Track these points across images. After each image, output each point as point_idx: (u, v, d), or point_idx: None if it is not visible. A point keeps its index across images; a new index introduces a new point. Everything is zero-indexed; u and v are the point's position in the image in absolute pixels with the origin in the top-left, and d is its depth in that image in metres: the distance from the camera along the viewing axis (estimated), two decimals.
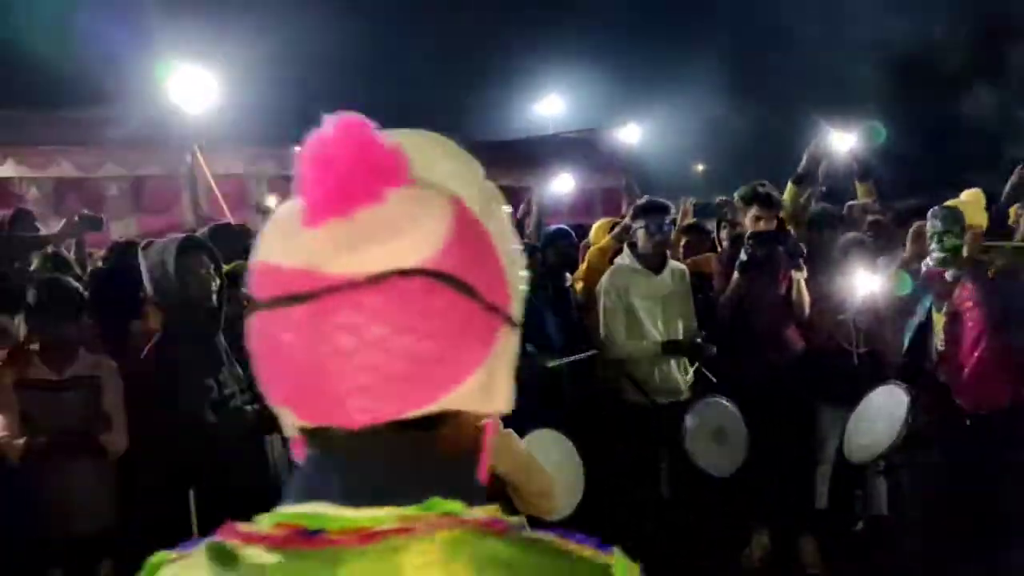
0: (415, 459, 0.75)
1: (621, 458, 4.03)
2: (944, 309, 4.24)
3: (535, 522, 2.33)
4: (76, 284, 3.75)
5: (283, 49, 16.73)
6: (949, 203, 4.29)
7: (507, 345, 0.79)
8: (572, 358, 4.39)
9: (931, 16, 19.07)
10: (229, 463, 3.00)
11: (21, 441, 3.43)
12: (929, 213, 4.20)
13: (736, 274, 4.53)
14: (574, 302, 5.02)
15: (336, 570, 0.69)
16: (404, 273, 0.69)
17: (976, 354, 4.12)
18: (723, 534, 4.53)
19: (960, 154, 15.78)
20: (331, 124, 0.75)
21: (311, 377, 0.72)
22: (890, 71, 20.31)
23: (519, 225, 5.97)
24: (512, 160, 14.89)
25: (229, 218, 9.27)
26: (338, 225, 0.70)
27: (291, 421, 0.80)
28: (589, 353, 4.48)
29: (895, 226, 5.30)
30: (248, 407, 3.10)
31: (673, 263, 4.86)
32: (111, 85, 12.26)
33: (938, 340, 4.27)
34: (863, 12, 20.79)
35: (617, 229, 5.17)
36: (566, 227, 5.42)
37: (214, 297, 3.12)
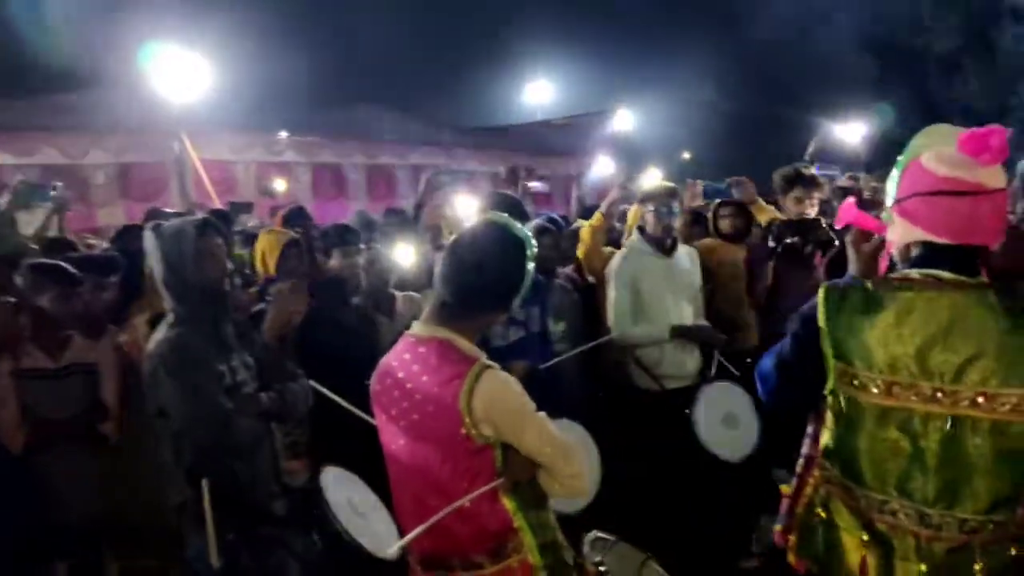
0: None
1: (631, 444, 4.00)
2: None
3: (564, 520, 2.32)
4: (69, 266, 3.72)
5: (271, 36, 16.62)
6: None
7: None
8: (579, 348, 4.37)
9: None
10: (244, 450, 2.98)
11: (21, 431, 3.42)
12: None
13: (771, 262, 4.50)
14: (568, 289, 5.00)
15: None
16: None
17: None
18: (732, 518, 4.50)
19: None
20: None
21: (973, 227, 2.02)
22: (876, 57, 20.31)
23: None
24: (508, 146, 14.84)
25: (218, 204, 9.24)
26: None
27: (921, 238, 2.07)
28: (600, 340, 4.45)
29: None
30: (261, 394, 3.06)
31: (684, 246, 4.82)
32: (97, 71, 12.15)
33: None
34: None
35: (605, 205, 5.13)
36: (553, 218, 5.36)
37: (227, 281, 3.08)
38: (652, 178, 5.70)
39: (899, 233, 2.13)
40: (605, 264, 4.84)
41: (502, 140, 16.90)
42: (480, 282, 2.29)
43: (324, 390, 3.01)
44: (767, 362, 2.35)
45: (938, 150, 2.04)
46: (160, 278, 2.97)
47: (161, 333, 2.95)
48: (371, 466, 2.97)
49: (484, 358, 2.27)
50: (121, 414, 3.72)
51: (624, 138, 12.51)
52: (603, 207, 5.12)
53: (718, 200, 5.56)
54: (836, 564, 2.22)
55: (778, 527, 2.40)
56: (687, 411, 4.07)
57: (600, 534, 3.11)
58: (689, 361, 4.61)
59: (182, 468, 2.88)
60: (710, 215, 5.47)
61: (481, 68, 22.76)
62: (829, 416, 2.20)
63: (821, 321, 2.12)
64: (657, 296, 4.56)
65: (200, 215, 3.63)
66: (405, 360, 2.34)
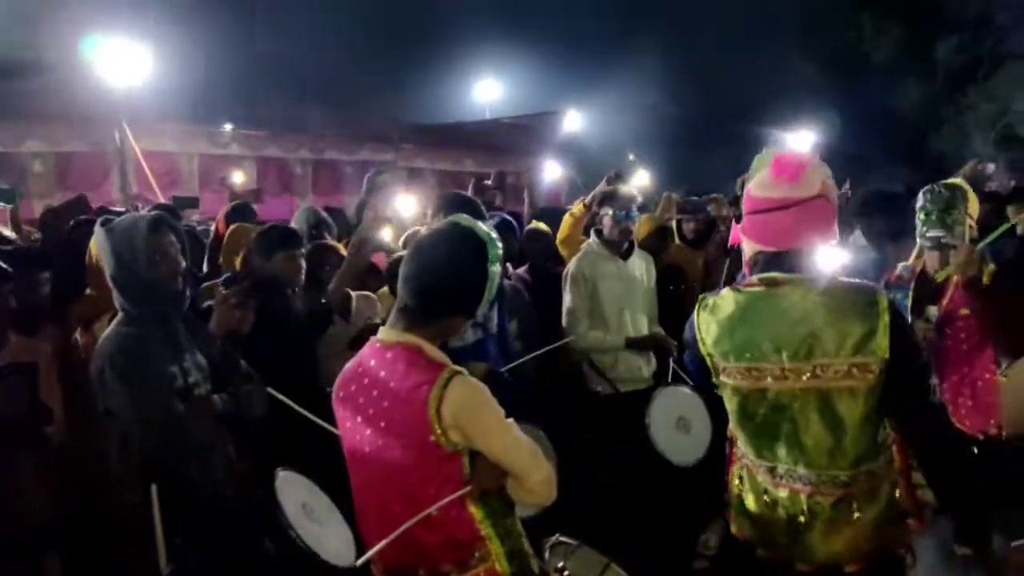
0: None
1: (586, 447, 4.00)
2: (927, 316, 3.71)
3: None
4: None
5: (218, 27, 16.33)
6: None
7: None
8: (539, 351, 4.35)
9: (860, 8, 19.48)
10: (196, 454, 2.90)
11: None
12: (924, 189, 3.67)
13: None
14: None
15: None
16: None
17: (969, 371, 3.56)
18: (684, 520, 4.53)
19: (885, 146, 16.17)
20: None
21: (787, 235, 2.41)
22: (819, 64, 20.71)
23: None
24: (458, 144, 14.79)
25: (159, 197, 9.03)
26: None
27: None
28: (558, 343, 4.44)
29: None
30: (214, 396, 2.99)
31: (640, 252, 4.85)
32: (38, 59, 11.78)
33: None
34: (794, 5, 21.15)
35: (589, 197, 5.10)
36: (507, 219, 5.34)
37: (180, 280, 2.99)
38: (640, 179, 5.75)
39: (746, 247, 2.56)
40: None
41: (451, 138, 16.84)
42: (442, 286, 2.26)
43: (281, 396, 2.95)
44: (685, 358, 2.82)
45: (761, 174, 2.48)
46: (110, 275, 2.89)
47: (110, 331, 2.86)
48: (324, 473, 2.94)
49: (451, 364, 2.25)
50: (67, 415, 3.59)
51: (573, 140, 12.57)
52: (588, 198, 5.11)
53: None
54: (755, 527, 2.58)
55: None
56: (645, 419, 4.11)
57: (562, 538, 3.11)
58: (644, 366, 4.64)
59: (131, 471, 2.80)
60: (674, 222, 5.59)
61: (430, 65, 22.68)
62: (727, 404, 2.58)
63: (697, 327, 2.56)
64: (613, 300, 4.58)
65: (146, 210, 3.52)
66: (371, 367, 2.31)
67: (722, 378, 2.53)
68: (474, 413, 2.19)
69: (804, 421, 2.39)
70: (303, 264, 4.05)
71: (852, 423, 2.36)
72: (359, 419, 2.31)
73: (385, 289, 4.45)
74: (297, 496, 2.88)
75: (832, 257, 2.54)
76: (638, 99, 19.57)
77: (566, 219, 5.23)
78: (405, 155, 15.75)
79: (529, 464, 2.27)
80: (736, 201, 5.18)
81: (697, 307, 2.58)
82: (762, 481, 2.52)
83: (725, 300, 2.51)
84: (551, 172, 8.19)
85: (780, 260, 2.43)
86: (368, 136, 15.75)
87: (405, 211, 4.88)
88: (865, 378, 2.33)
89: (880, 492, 2.42)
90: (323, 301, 4.03)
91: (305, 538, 2.72)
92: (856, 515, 2.40)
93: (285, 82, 17.45)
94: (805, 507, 2.42)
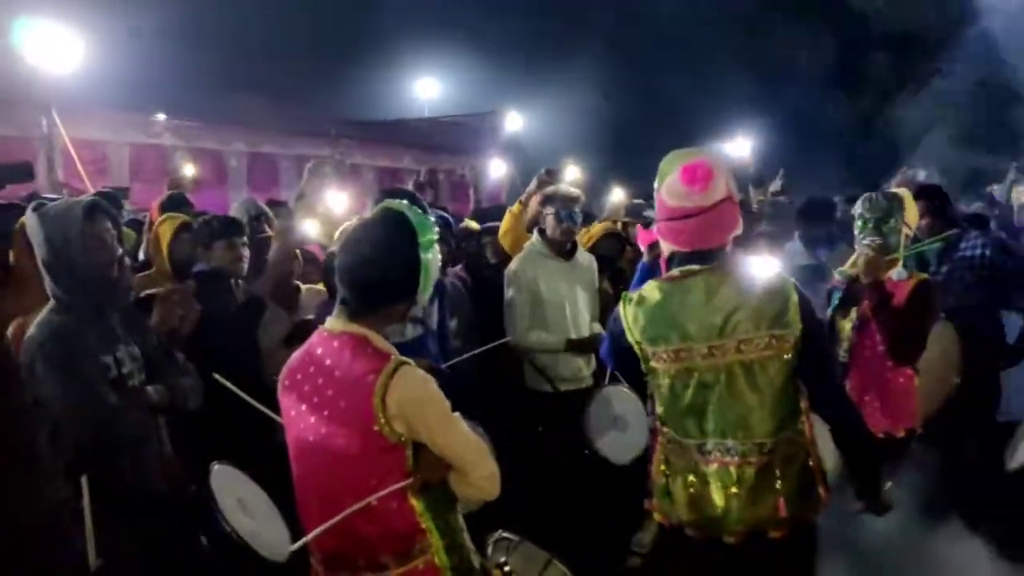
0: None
1: (525, 445, 4.02)
2: (852, 316, 3.94)
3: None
4: None
5: (152, 14, 15.94)
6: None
7: None
8: (480, 349, 4.34)
9: (800, 20, 19.90)
10: (128, 447, 2.83)
11: None
12: (863, 197, 3.95)
13: None
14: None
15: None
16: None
17: (880, 373, 3.84)
18: (622, 516, 4.56)
19: (816, 156, 16.53)
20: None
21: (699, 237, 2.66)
22: (756, 72, 21.08)
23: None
24: (397, 140, 14.69)
25: (88, 186, 8.78)
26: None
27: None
28: (498, 342, 4.44)
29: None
30: (149, 388, 2.91)
31: (582, 251, 4.89)
32: None
33: (842, 348, 3.96)
34: (737, 14, 21.51)
35: (525, 195, 5.16)
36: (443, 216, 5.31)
37: (115, 268, 2.91)
38: (572, 175, 5.79)
39: (663, 246, 2.82)
40: None
41: (390, 135, 16.71)
42: (375, 275, 2.24)
43: (227, 383, 2.89)
44: (602, 350, 3.10)
45: (670, 180, 2.70)
46: (42, 261, 2.80)
47: (42, 319, 2.78)
48: (265, 465, 2.88)
49: (398, 355, 2.23)
50: None
51: (514, 139, 12.60)
52: (523, 196, 5.16)
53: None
54: (683, 509, 2.73)
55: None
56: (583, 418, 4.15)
57: (504, 534, 3.11)
58: (584, 366, 4.68)
59: (60, 463, 2.71)
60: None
61: (369, 61, 22.43)
62: (656, 390, 2.77)
63: (624, 320, 2.76)
64: (555, 299, 4.60)
65: (83, 196, 3.42)
66: (318, 355, 2.28)
67: (652, 364, 2.73)
68: (419, 404, 2.19)
69: (730, 394, 2.62)
70: (245, 253, 4.00)
71: (773, 391, 2.60)
72: (304, 407, 2.29)
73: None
74: (233, 490, 2.83)
75: (768, 266, 2.79)
76: (577, 101, 19.67)
77: (506, 217, 5.28)
78: (343, 150, 15.57)
79: (473, 459, 2.28)
80: None
81: (622, 302, 2.81)
82: (690, 461, 2.70)
83: (650, 292, 2.75)
84: (496, 171, 8.20)
85: (696, 255, 2.70)
86: (306, 130, 15.52)
87: (337, 206, 4.85)
88: (783, 348, 2.59)
89: (798, 458, 2.66)
90: (255, 293, 3.98)
91: (240, 532, 2.67)
92: (778, 482, 2.62)
93: (221, 73, 17.09)
94: (734, 477, 2.63)
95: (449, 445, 2.24)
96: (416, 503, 2.25)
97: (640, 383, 3.01)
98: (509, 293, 4.64)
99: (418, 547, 2.26)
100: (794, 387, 2.66)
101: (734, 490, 2.63)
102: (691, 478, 2.70)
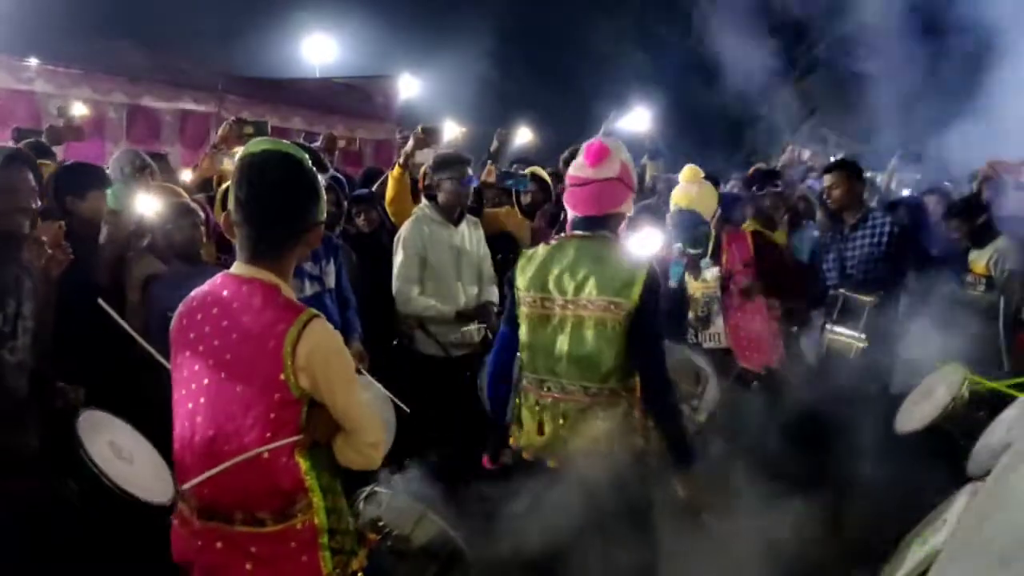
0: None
1: (417, 409, 4.00)
2: (703, 276, 4.70)
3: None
4: None
5: None
6: (681, 204, 4.56)
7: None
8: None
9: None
10: None
11: None
12: (669, 218, 4.59)
13: None
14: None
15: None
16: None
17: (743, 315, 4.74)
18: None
19: (704, 137, 16.96)
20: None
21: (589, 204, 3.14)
22: (650, 52, 21.43)
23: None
24: (287, 100, 14.29)
25: None
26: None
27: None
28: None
29: None
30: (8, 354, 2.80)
31: (469, 216, 4.91)
32: None
33: (698, 307, 4.74)
34: None
35: (402, 157, 5.12)
36: (336, 176, 5.16)
37: (25, 222, 2.80)
38: (451, 133, 5.75)
39: (567, 211, 3.26)
40: None
41: (280, 93, 16.21)
42: (278, 198, 2.19)
43: (115, 316, 2.79)
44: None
45: (578, 157, 3.20)
46: None
47: None
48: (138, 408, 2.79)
49: (310, 308, 2.21)
50: None
51: (406, 104, 12.42)
52: (400, 158, 5.11)
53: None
54: (526, 435, 3.19)
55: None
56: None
57: (377, 488, 3.11)
58: (475, 332, 4.73)
59: None
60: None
61: (258, 16, 21.74)
62: (522, 331, 3.20)
63: (517, 271, 3.23)
64: (444, 266, 4.64)
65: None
66: (224, 297, 2.22)
67: (521, 308, 3.20)
68: (328, 359, 2.17)
69: (572, 341, 3.06)
70: (104, 207, 3.89)
71: (602, 347, 3.02)
72: (200, 348, 2.22)
73: None
74: (103, 435, 2.75)
75: (646, 244, 3.27)
76: (472, 68, 19.55)
77: (389, 183, 5.20)
78: (230, 107, 15.06)
79: (367, 424, 2.28)
80: (557, 175, 5.75)
81: (520, 257, 3.30)
82: (534, 395, 3.17)
83: (540, 249, 3.25)
84: (387, 134, 8.07)
85: (586, 222, 3.17)
86: (190, 84, 14.92)
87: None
88: (618, 315, 3.00)
89: (619, 408, 3.06)
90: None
91: (113, 477, 2.61)
92: (599, 421, 3.04)
93: (101, 19, 16.29)
94: (561, 411, 3.09)
95: (347, 405, 2.23)
96: (303, 461, 2.23)
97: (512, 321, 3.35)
98: (398, 255, 4.62)
99: (299, 506, 2.23)
100: (624, 352, 3.05)
101: (561, 422, 3.09)
102: (535, 408, 3.16)
